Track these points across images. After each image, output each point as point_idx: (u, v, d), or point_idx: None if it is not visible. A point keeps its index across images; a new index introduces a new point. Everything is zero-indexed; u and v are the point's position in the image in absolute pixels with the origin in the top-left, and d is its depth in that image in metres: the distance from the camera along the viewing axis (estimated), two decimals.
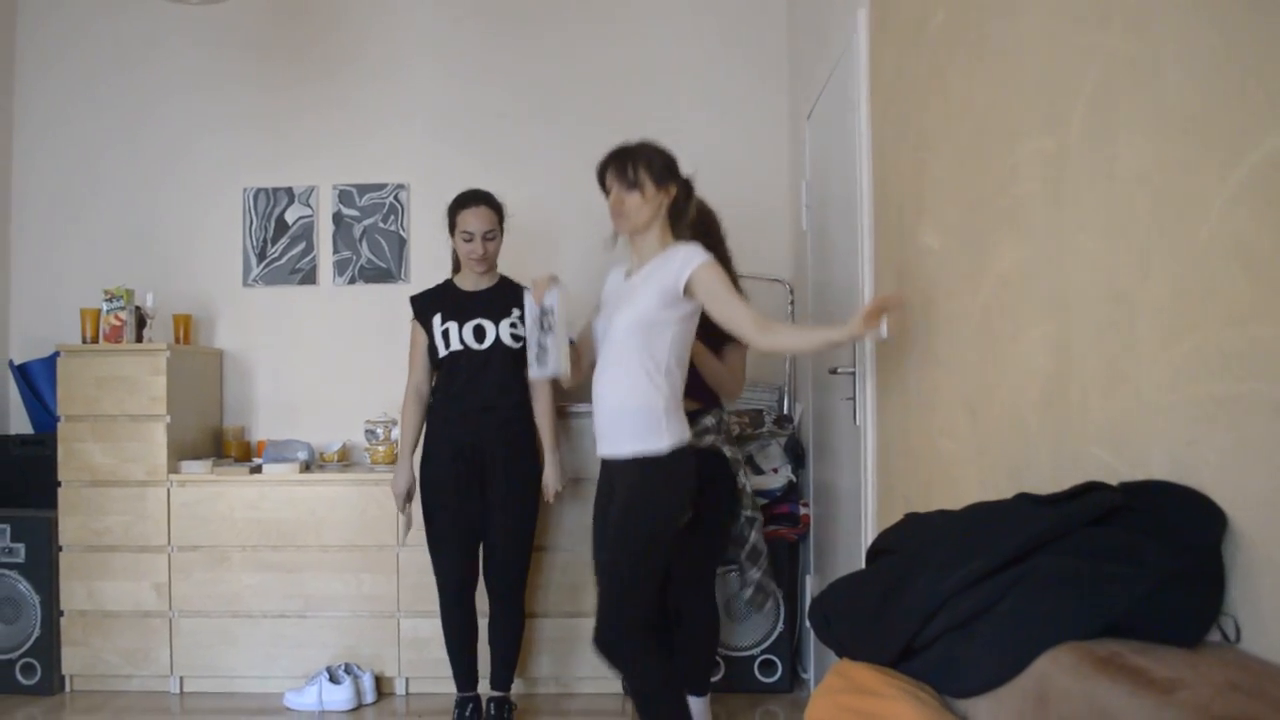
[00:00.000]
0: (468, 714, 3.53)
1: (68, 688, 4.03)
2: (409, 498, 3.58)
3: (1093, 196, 1.53)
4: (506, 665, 3.56)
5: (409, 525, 3.68)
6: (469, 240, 3.43)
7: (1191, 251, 1.27)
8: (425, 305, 3.54)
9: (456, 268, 3.58)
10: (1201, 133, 1.25)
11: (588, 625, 3.87)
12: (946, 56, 2.23)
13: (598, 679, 3.90)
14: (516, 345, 3.44)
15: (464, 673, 3.55)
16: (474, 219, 3.43)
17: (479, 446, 3.44)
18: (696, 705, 3.13)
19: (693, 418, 2.91)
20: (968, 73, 2.09)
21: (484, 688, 3.60)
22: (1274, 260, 1.11)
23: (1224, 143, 1.21)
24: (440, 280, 3.64)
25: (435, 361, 3.50)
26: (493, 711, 3.52)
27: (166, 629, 3.99)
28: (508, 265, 3.64)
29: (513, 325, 3.46)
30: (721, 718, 3.59)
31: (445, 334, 3.46)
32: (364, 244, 4.60)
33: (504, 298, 3.51)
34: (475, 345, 3.43)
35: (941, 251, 2.27)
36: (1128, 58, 1.43)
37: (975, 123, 2.04)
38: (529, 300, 2.84)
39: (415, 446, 3.57)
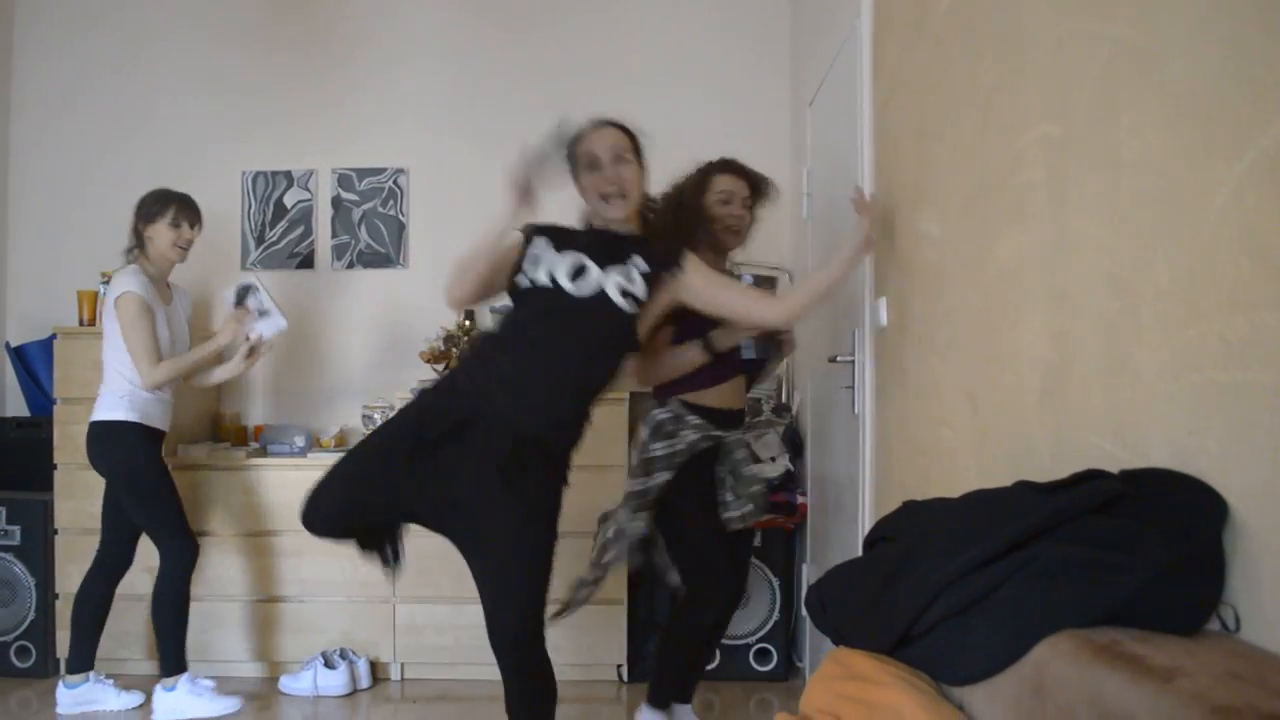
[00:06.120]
0: None
1: (62, 671, 4.01)
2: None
3: (1096, 183, 1.52)
4: None
5: None
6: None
7: (1195, 238, 1.26)
8: None
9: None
10: (1207, 119, 1.24)
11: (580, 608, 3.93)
12: (951, 42, 2.21)
13: (590, 665, 3.92)
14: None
15: None
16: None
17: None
18: None
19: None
20: (972, 59, 2.07)
21: None
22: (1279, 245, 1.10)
23: (1230, 129, 1.19)
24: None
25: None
26: None
27: None
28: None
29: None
30: (716, 707, 3.59)
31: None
32: (363, 228, 4.58)
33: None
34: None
35: (943, 239, 2.25)
36: (1133, 44, 1.42)
37: (979, 109, 2.03)
38: None
39: None
